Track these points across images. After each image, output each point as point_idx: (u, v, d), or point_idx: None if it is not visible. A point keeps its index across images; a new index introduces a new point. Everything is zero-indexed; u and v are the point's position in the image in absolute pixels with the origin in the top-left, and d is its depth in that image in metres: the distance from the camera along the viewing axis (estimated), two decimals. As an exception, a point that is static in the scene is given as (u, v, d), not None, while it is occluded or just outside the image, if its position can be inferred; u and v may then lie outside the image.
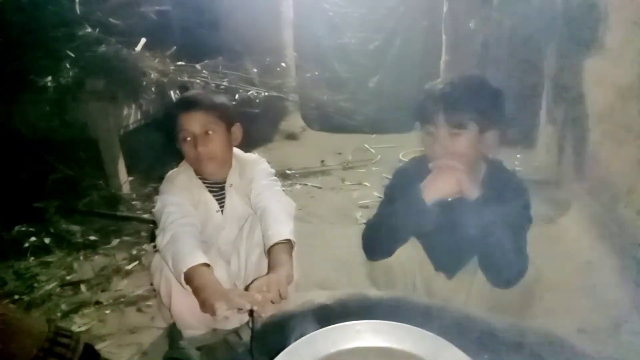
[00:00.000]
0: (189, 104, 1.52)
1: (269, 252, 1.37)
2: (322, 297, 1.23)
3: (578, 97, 2.87)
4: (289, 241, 1.39)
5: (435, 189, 1.34)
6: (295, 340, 0.92)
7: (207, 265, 1.33)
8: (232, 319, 1.39)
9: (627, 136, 2.20)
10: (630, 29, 2.23)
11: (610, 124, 2.43)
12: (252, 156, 1.71)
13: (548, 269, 1.75)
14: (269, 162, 1.73)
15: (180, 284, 1.33)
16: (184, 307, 1.47)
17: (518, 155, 3.53)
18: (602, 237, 2.34)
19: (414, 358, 0.89)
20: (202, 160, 1.52)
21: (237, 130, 1.61)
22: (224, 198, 1.63)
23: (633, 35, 2.20)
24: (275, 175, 1.70)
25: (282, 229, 1.41)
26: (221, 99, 1.62)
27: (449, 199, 1.43)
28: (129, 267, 2.35)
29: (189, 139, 1.50)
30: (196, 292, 1.27)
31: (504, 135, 1.40)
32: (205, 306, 1.21)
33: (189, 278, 1.30)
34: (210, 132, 1.51)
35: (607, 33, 2.53)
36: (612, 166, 2.35)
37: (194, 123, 1.49)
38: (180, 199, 1.53)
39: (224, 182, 1.62)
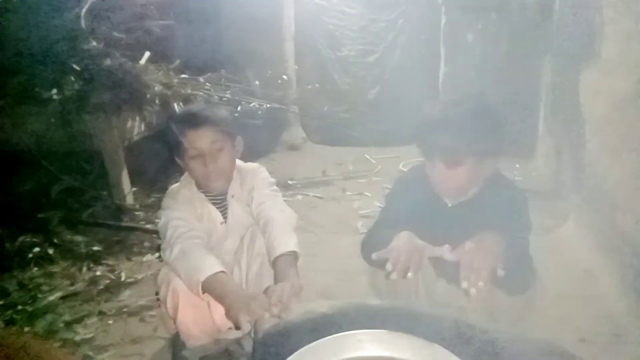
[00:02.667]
0: (197, 121, 1.48)
1: (275, 263, 1.38)
2: (323, 306, 1.24)
3: (575, 108, 2.91)
4: (294, 252, 1.40)
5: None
6: (297, 350, 0.93)
7: (224, 272, 1.35)
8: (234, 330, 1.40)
9: (624, 146, 2.22)
10: (626, 40, 2.27)
11: (607, 134, 2.46)
12: (252, 165, 1.71)
13: (547, 278, 1.76)
14: (270, 173, 1.72)
15: (197, 294, 1.34)
16: (189, 318, 1.49)
17: (517, 166, 3.56)
18: (601, 247, 2.36)
19: (414, 366, 0.91)
20: (211, 176, 1.52)
21: (239, 143, 1.62)
22: (226, 209, 1.63)
23: (628, 47, 2.24)
24: (277, 186, 1.70)
25: (288, 240, 1.42)
26: (224, 113, 1.62)
27: (449, 205, 1.46)
28: (132, 277, 2.36)
29: (197, 156, 1.49)
30: (220, 299, 1.28)
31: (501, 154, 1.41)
32: (230, 315, 1.22)
33: (209, 287, 1.31)
34: (219, 150, 1.50)
35: (603, 44, 2.57)
36: (610, 176, 2.38)
37: (203, 140, 1.47)
38: (184, 214, 1.53)
39: (226, 194, 1.63)
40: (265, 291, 1.23)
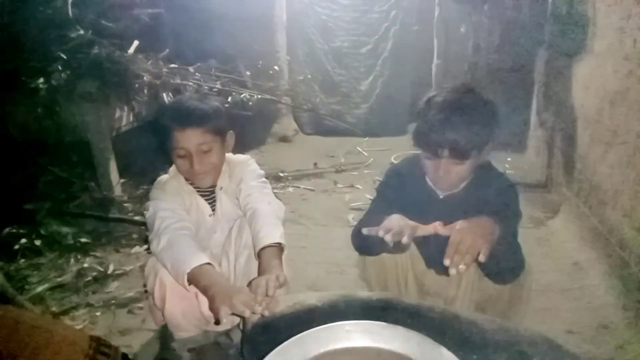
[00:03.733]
0: (185, 121, 1.43)
1: (259, 254, 1.36)
2: (312, 298, 1.24)
3: (567, 102, 2.92)
4: (279, 244, 1.38)
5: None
6: (286, 341, 0.92)
7: (210, 264, 1.33)
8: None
9: (614, 139, 2.24)
10: (617, 34, 2.27)
11: (597, 127, 2.47)
12: (241, 157, 1.69)
13: (536, 270, 1.78)
14: (261, 165, 1.71)
15: (183, 285, 1.32)
16: (177, 309, 1.47)
17: (509, 159, 3.57)
18: (590, 239, 2.38)
19: (402, 358, 0.90)
20: (198, 176, 1.50)
21: (230, 138, 1.59)
22: (214, 201, 1.62)
23: (619, 41, 2.25)
24: (268, 178, 1.68)
25: (273, 232, 1.40)
26: (215, 105, 1.54)
27: (441, 196, 1.46)
28: (121, 269, 2.34)
29: (184, 155, 1.46)
30: (204, 291, 1.27)
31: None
32: (212, 307, 1.21)
33: (194, 279, 1.29)
34: (207, 151, 1.47)
35: (595, 39, 2.57)
36: (600, 169, 2.39)
37: (190, 141, 1.43)
38: (172, 205, 1.51)
39: (214, 186, 1.61)
40: (250, 284, 1.22)
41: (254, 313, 1.12)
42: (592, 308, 1.98)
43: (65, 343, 1.10)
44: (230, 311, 1.14)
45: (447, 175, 1.37)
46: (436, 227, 1.21)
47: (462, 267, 1.10)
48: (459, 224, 1.17)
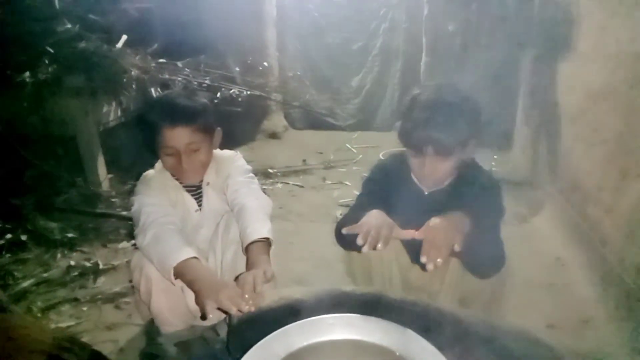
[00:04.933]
0: (175, 119, 1.41)
1: (247, 250, 1.37)
2: (298, 293, 1.25)
3: (552, 100, 2.96)
4: (267, 239, 1.39)
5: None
6: (271, 334, 0.94)
7: (196, 258, 1.33)
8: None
9: (597, 138, 2.28)
10: (600, 33, 2.31)
11: (581, 126, 2.51)
12: (228, 153, 1.69)
13: (519, 266, 1.81)
14: (251, 161, 1.70)
15: (169, 280, 1.32)
16: (163, 304, 1.48)
17: (495, 156, 3.61)
18: (572, 236, 2.42)
19: (384, 350, 0.93)
20: (185, 174, 1.50)
21: (218, 135, 1.58)
22: (201, 196, 1.62)
23: (602, 40, 2.29)
24: (257, 174, 1.68)
25: (261, 227, 1.40)
26: (204, 103, 1.53)
27: (426, 193, 1.48)
28: (108, 264, 2.34)
29: (172, 153, 1.45)
30: (190, 285, 1.27)
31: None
32: (198, 301, 1.21)
33: (180, 273, 1.29)
34: (195, 150, 1.46)
35: (579, 38, 2.61)
36: (583, 167, 2.43)
37: (180, 140, 1.42)
38: (158, 200, 1.51)
39: (201, 181, 1.61)
40: (237, 279, 1.22)
41: (239, 312, 1.11)
42: (573, 303, 2.02)
43: (27, 339, 1.09)
44: (216, 305, 1.14)
45: (433, 173, 1.39)
46: (413, 234, 1.24)
47: (439, 260, 1.13)
48: (432, 222, 1.22)
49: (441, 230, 1.19)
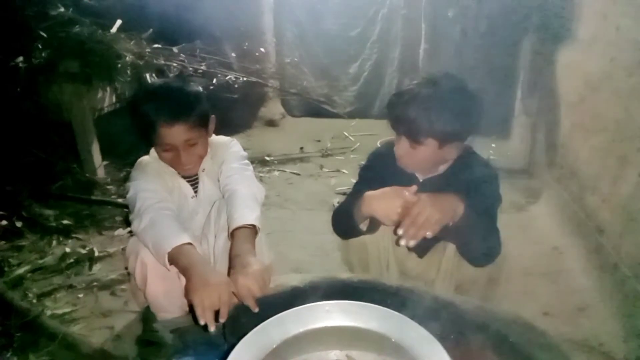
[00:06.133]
0: (172, 117, 1.38)
1: (232, 235, 1.33)
2: (294, 280, 1.25)
3: (551, 88, 2.94)
4: (253, 227, 1.35)
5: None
6: (267, 321, 0.93)
7: (191, 244, 1.30)
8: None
9: (595, 126, 2.27)
10: (600, 21, 2.29)
11: (580, 114, 2.50)
12: (224, 139, 1.67)
13: (516, 254, 1.82)
14: (248, 149, 1.68)
15: (164, 265, 1.31)
16: (159, 290, 1.46)
17: (493, 145, 3.60)
18: (569, 224, 2.42)
19: (380, 336, 0.92)
20: (183, 167, 1.50)
21: (212, 123, 1.56)
22: (197, 183, 1.60)
23: (602, 28, 2.26)
24: (254, 162, 1.66)
25: (248, 213, 1.36)
26: (199, 93, 1.49)
27: (421, 180, 1.47)
28: (104, 251, 2.33)
29: (169, 149, 1.44)
30: (183, 271, 1.25)
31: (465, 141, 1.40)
32: (187, 288, 1.17)
33: (174, 258, 1.27)
34: (193, 145, 1.45)
35: (579, 25, 2.59)
36: (581, 155, 2.43)
37: (178, 137, 1.41)
38: (153, 186, 1.49)
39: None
40: (233, 276, 1.18)
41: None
42: (568, 291, 2.03)
43: None
44: (205, 303, 1.10)
45: (408, 157, 1.39)
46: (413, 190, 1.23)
47: (412, 242, 1.11)
48: (423, 196, 1.19)
49: (428, 206, 1.14)
